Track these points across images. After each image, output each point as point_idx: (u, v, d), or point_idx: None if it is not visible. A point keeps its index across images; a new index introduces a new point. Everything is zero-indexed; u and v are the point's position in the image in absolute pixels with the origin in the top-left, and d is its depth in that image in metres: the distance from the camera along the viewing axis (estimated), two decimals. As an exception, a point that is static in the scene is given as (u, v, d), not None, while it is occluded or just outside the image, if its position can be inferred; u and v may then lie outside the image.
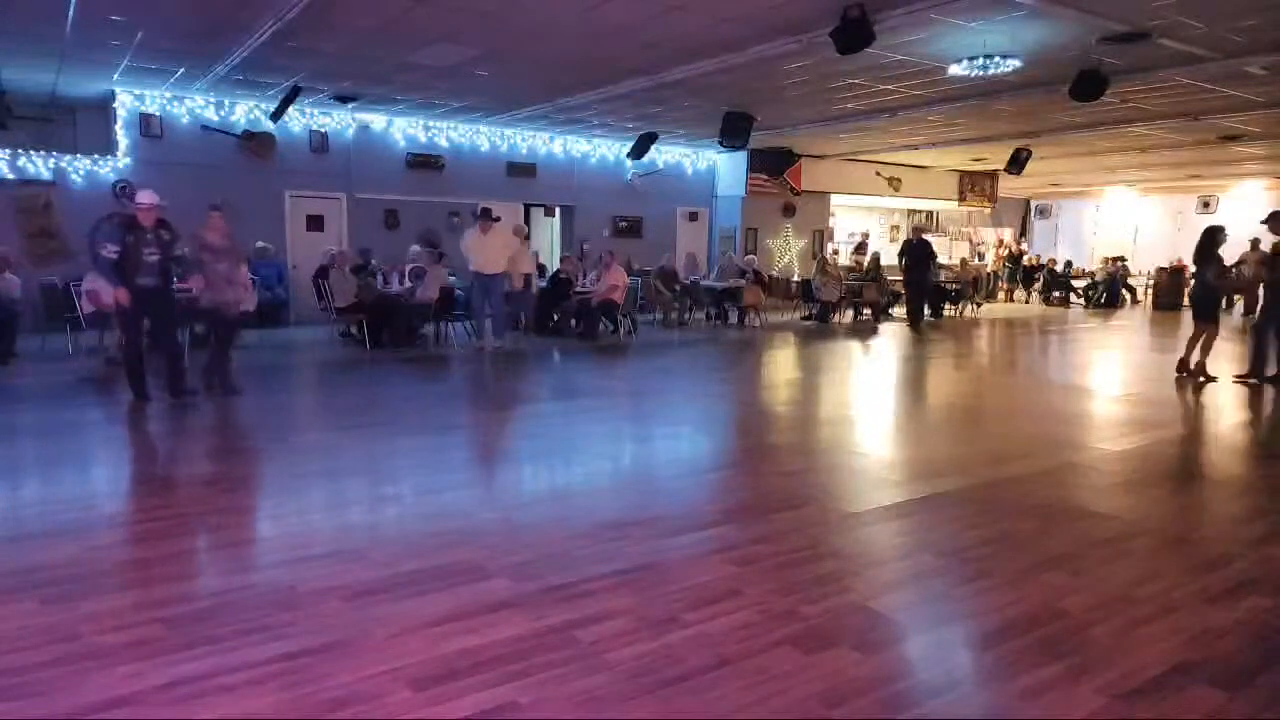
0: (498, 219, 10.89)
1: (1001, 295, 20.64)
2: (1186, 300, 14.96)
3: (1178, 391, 8.47)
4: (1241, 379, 8.90)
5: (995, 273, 20.13)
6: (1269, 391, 8.49)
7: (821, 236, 17.94)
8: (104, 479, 5.14)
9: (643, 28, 7.74)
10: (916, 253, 14.90)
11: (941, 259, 18.52)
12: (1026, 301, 21.05)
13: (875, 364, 10.80)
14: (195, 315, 7.97)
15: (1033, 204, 25.07)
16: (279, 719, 2.41)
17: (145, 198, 6.85)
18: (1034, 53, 8.28)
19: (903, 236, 21.15)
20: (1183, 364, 9.09)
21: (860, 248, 18.95)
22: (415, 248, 11.72)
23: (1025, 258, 21.77)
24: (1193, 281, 9.79)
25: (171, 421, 6.44)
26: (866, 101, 11.15)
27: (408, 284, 10.91)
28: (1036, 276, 21.16)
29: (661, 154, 15.88)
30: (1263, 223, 9.09)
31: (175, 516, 4.33)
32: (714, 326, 14.15)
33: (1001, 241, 22.07)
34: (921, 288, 15.08)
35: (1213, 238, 8.98)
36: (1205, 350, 8.91)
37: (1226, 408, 7.82)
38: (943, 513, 4.43)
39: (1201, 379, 8.85)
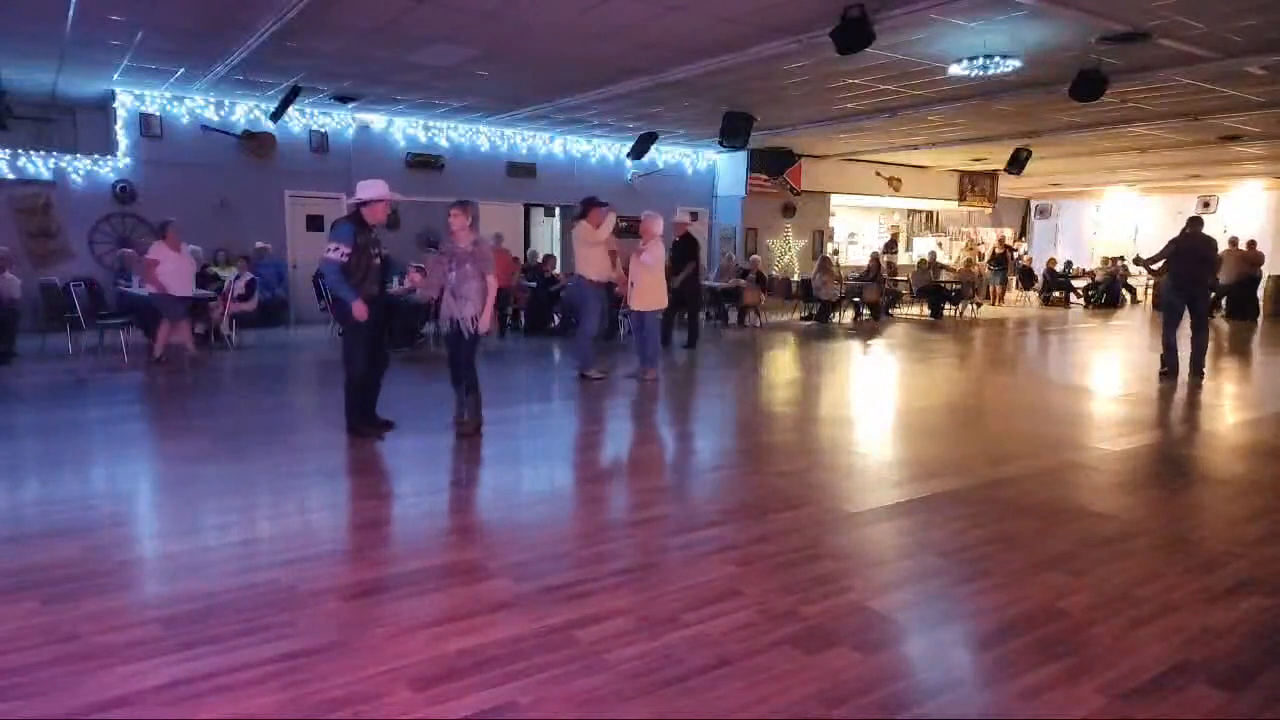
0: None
1: (994, 297, 19.92)
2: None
3: (1176, 391, 8.47)
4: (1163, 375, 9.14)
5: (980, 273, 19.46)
6: (1267, 391, 8.50)
7: (821, 236, 17.95)
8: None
9: (643, 28, 7.74)
10: (682, 252, 11.53)
11: (942, 259, 18.52)
12: (1009, 297, 20.43)
13: (875, 364, 10.80)
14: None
15: (1033, 204, 25.07)
16: (279, 719, 2.41)
17: (377, 190, 5.67)
18: (1034, 53, 8.27)
19: (903, 236, 21.13)
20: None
21: (890, 246, 19.04)
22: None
23: (1021, 256, 21.65)
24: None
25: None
26: (866, 101, 11.15)
27: (408, 284, 10.90)
28: (1035, 276, 20.99)
29: (661, 154, 15.89)
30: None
31: (172, 515, 4.34)
32: (714, 326, 14.15)
33: (980, 241, 21.55)
34: (689, 295, 11.38)
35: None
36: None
37: (1226, 407, 7.83)
38: (943, 513, 4.43)
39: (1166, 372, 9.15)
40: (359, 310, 5.55)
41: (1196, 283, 8.94)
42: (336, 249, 5.53)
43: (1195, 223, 9.13)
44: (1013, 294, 20.94)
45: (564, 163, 15.13)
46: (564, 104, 11.56)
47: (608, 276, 8.57)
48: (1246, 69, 8.70)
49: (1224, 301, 16.78)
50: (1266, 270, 18.46)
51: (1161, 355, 9.24)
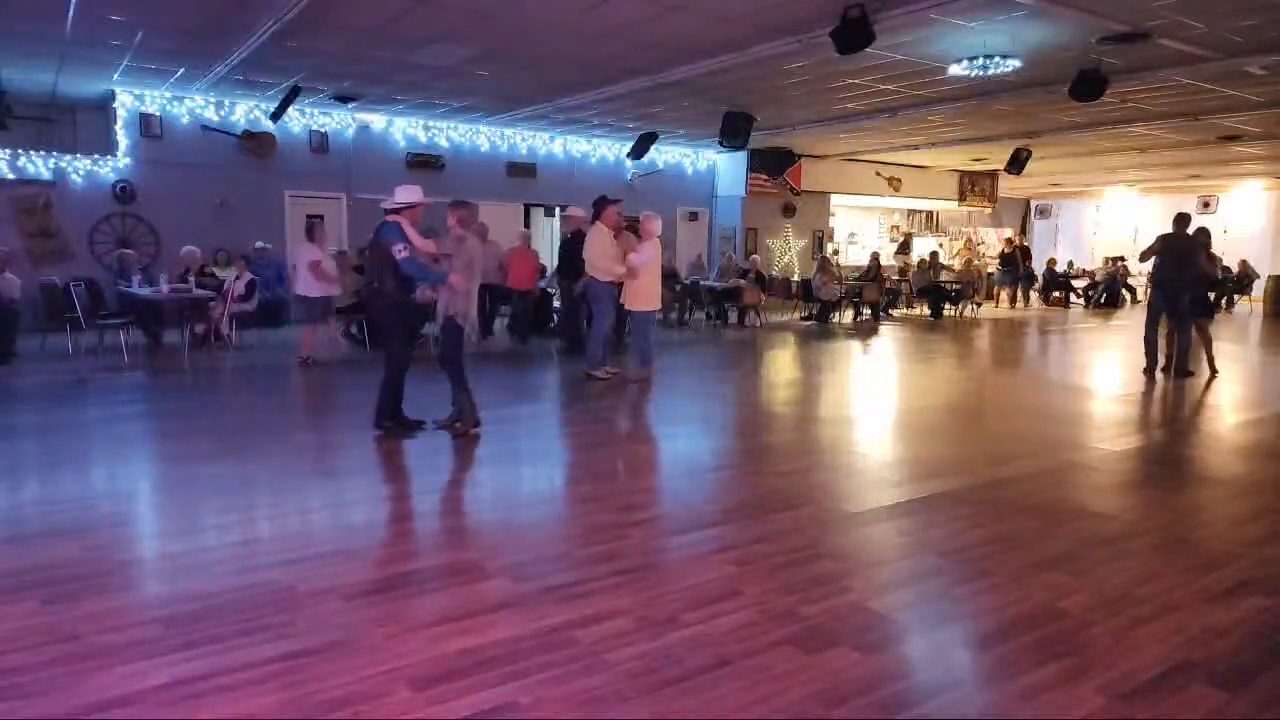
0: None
1: (996, 299, 19.50)
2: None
3: (1174, 391, 8.47)
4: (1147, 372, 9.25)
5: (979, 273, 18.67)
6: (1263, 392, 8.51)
7: (821, 236, 17.95)
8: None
9: (643, 28, 7.74)
10: (571, 253, 9.88)
11: (942, 258, 18.51)
12: (1013, 304, 19.48)
13: (875, 364, 10.80)
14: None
15: (1033, 204, 25.06)
16: (279, 719, 2.41)
17: (416, 195, 5.91)
18: (1034, 53, 8.28)
19: (904, 237, 21.07)
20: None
21: (903, 247, 19.01)
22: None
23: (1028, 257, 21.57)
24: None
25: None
26: (866, 101, 11.15)
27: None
28: (1035, 276, 20.86)
29: (661, 154, 15.89)
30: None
31: (172, 515, 4.34)
32: (714, 326, 14.15)
33: (980, 241, 21.35)
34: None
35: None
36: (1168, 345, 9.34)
37: (1225, 407, 7.83)
38: (943, 513, 4.43)
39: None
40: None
41: (1172, 283, 8.94)
42: (403, 247, 5.69)
43: (1179, 222, 9.08)
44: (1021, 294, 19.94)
45: (564, 163, 15.13)
46: (564, 104, 11.56)
47: (614, 276, 8.49)
48: (1246, 69, 8.70)
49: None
50: (1266, 270, 18.48)
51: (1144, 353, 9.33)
